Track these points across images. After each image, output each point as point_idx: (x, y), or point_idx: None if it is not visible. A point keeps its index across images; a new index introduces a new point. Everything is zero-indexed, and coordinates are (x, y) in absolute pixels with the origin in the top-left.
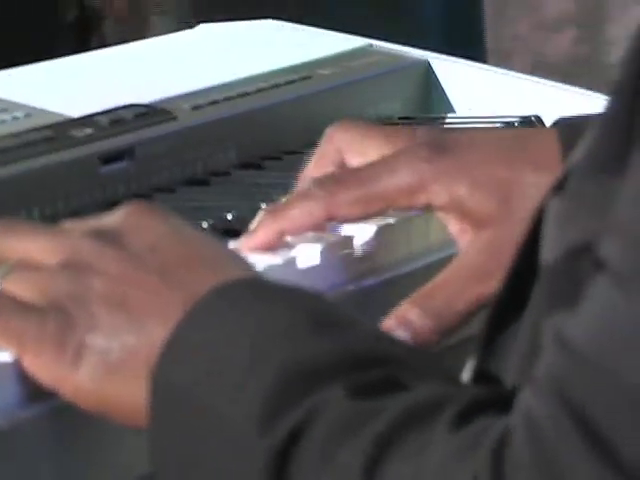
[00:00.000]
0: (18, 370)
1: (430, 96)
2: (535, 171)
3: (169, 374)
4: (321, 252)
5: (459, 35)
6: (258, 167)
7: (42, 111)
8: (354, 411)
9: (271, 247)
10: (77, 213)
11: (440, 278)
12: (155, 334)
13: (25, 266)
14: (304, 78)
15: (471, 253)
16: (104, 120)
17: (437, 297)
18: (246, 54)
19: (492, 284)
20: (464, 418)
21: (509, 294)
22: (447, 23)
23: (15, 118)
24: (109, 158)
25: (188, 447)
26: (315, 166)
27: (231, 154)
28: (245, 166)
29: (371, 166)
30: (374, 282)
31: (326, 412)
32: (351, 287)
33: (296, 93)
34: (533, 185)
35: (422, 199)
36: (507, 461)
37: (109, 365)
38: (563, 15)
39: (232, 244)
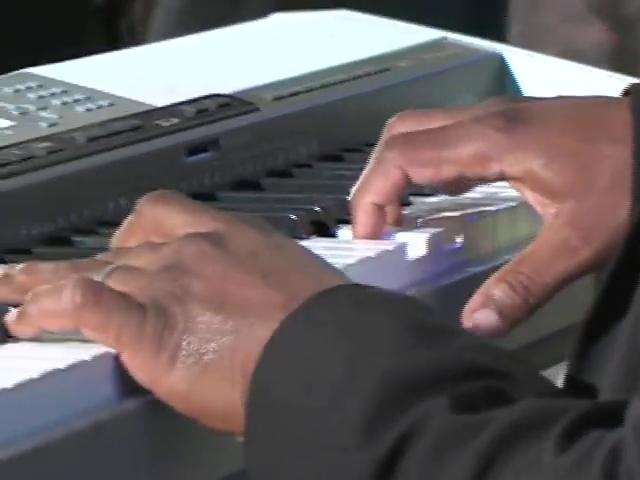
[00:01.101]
0: (115, 364)
1: (504, 89)
2: (611, 142)
3: (268, 379)
4: (427, 241)
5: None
6: (339, 159)
7: (125, 100)
8: (458, 425)
9: (376, 225)
10: None
11: (525, 253)
12: (253, 337)
13: (127, 267)
14: (382, 70)
15: (555, 227)
16: (189, 110)
17: (523, 271)
18: (323, 45)
19: (578, 258)
20: (573, 433)
21: (606, 299)
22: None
23: (100, 107)
24: (195, 148)
25: (284, 455)
26: (380, 183)
27: (312, 146)
28: (326, 158)
29: (445, 129)
30: (463, 276)
31: (430, 425)
32: (442, 281)
33: (375, 85)
34: (609, 156)
35: (495, 168)
36: (621, 476)
37: (203, 367)
38: (592, 7)
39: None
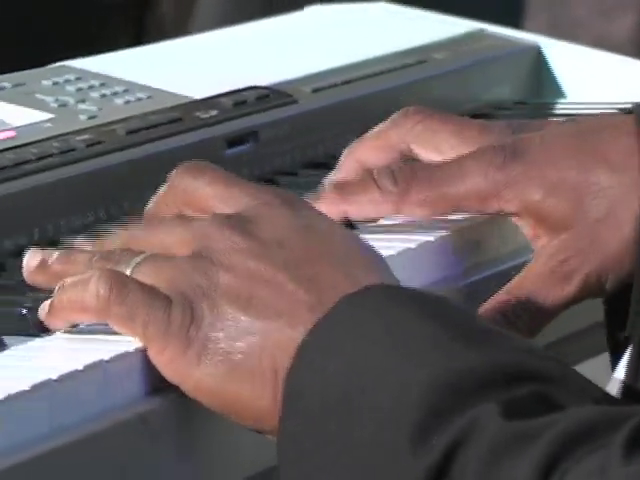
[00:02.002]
0: (143, 360)
1: (541, 81)
2: (609, 171)
3: (303, 383)
4: (450, 238)
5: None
6: None
7: (164, 92)
8: (512, 432)
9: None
10: None
11: (515, 283)
12: (282, 339)
13: (156, 257)
14: (419, 62)
15: (545, 256)
16: (228, 102)
17: (514, 301)
18: (360, 36)
19: (567, 288)
20: (638, 440)
21: None
22: None
23: (139, 99)
24: (234, 140)
25: (323, 460)
26: (376, 149)
27: (350, 138)
28: None
29: (444, 167)
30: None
31: (482, 432)
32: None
33: (413, 77)
34: (608, 187)
35: (494, 206)
36: None
37: (232, 365)
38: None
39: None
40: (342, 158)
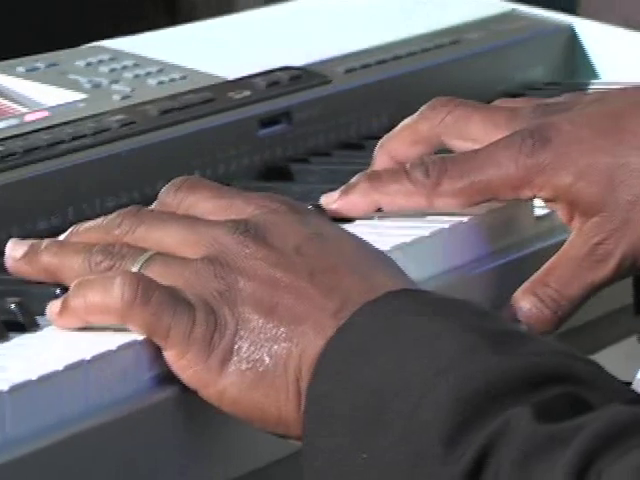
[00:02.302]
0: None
1: (575, 61)
2: (639, 152)
3: (325, 391)
4: (482, 218)
5: None
6: None
7: (197, 72)
8: (543, 435)
9: (361, 214)
10: (236, 177)
11: (551, 264)
12: (306, 345)
13: (166, 257)
14: (453, 42)
15: (578, 241)
16: (261, 82)
17: (551, 284)
18: (393, 17)
19: (603, 271)
20: None
21: None
22: None
23: (172, 80)
24: (267, 121)
25: (350, 474)
26: (407, 143)
27: (383, 118)
28: None
29: (474, 156)
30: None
31: (513, 436)
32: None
33: (446, 57)
34: (638, 168)
35: (527, 193)
36: None
37: (257, 374)
38: None
39: (323, 198)
40: (374, 153)
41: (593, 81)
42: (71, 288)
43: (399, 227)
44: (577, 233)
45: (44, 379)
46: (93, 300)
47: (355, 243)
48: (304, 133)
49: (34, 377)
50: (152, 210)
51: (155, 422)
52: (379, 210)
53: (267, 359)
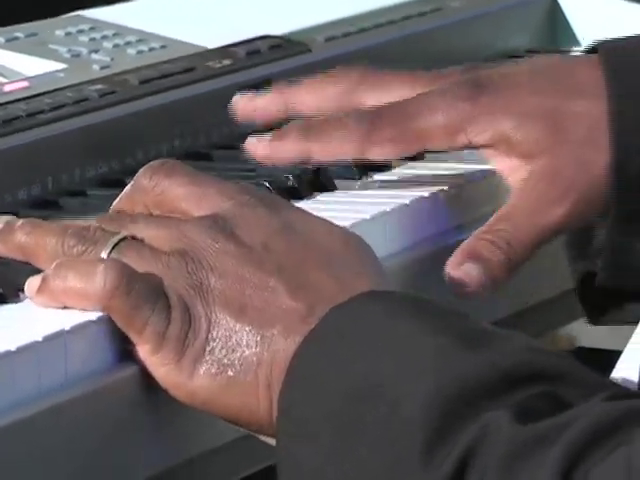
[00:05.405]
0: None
1: (556, 28)
2: (582, 98)
3: (295, 398)
4: (443, 193)
5: None
6: None
7: (177, 42)
8: (526, 436)
9: (291, 162)
10: (216, 145)
11: (503, 210)
12: (276, 352)
13: (138, 244)
14: (434, 10)
15: (530, 184)
16: (241, 51)
17: (504, 228)
18: None
19: (556, 213)
20: None
21: None
22: None
23: (152, 49)
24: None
25: (326, 475)
26: (314, 97)
27: None
28: None
29: (409, 103)
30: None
31: (495, 439)
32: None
33: (427, 25)
34: (581, 112)
35: (462, 139)
36: None
37: (228, 379)
38: None
39: (249, 141)
40: (266, 92)
41: (574, 48)
42: (52, 269)
43: (381, 195)
44: (523, 181)
45: (22, 350)
46: (73, 284)
47: (325, 232)
48: None
49: (13, 348)
50: (122, 212)
51: (133, 392)
52: (311, 158)
53: (238, 365)
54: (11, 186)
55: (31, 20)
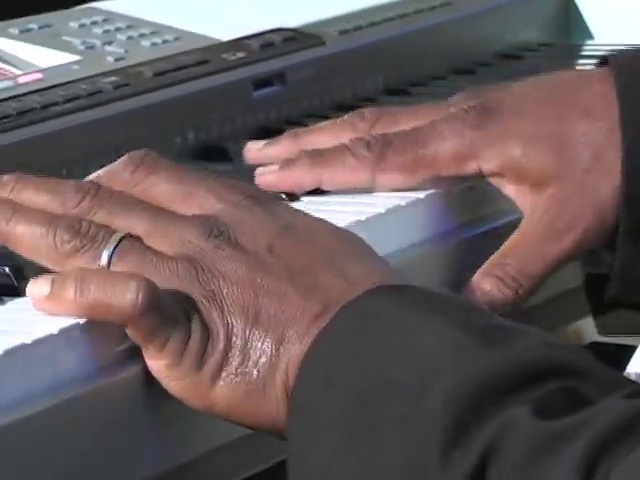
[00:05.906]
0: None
1: (569, 22)
2: (587, 120)
3: (306, 398)
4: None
5: None
6: (404, 93)
7: (191, 34)
8: (546, 433)
9: (300, 190)
10: (230, 138)
11: (510, 243)
12: (292, 354)
13: (139, 245)
14: (446, 4)
15: (538, 214)
16: (255, 44)
17: (511, 263)
18: None
19: (565, 243)
20: None
21: None
22: None
23: (166, 41)
24: (261, 83)
25: (337, 476)
26: (327, 142)
27: (377, 80)
28: (391, 92)
29: (418, 131)
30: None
31: (515, 436)
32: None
33: (439, 19)
34: (586, 134)
35: (472, 166)
36: None
37: (247, 387)
38: None
39: (260, 170)
40: (281, 137)
41: (587, 42)
42: (64, 277)
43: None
44: (532, 208)
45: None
46: (97, 298)
47: (325, 229)
48: (298, 95)
49: (28, 341)
50: (112, 192)
51: (128, 394)
52: (320, 186)
53: (256, 372)
54: None
55: (45, 12)
